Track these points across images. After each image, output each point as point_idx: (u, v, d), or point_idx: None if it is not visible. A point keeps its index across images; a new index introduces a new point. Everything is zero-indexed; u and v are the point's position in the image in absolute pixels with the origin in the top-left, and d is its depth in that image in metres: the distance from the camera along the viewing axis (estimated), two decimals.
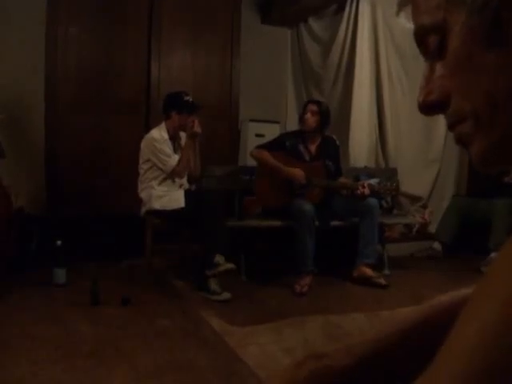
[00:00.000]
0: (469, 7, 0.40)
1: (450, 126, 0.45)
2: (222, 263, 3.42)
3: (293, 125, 5.15)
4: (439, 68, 0.44)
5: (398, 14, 5.15)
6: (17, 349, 2.50)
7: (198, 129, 3.69)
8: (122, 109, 4.76)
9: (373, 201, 3.93)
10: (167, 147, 3.73)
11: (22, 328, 2.77)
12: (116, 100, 4.74)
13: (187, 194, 3.73)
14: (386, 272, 4.19)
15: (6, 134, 4.19)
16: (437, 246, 4.88)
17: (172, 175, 3.73)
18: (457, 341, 0.34)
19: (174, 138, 3.83)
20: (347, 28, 5.16)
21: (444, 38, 0.42)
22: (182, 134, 3.83)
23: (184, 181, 3.86)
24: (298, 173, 3.90)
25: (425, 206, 5.43)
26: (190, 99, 3.77)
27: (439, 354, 0.34)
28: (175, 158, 3.70)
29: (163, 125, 3.81)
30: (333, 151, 4.18)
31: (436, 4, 0.42)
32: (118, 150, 4.61)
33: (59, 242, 3.58)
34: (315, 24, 5.48)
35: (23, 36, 4.35)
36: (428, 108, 0.46)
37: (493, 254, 4.37)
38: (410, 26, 4.94)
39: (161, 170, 3.71)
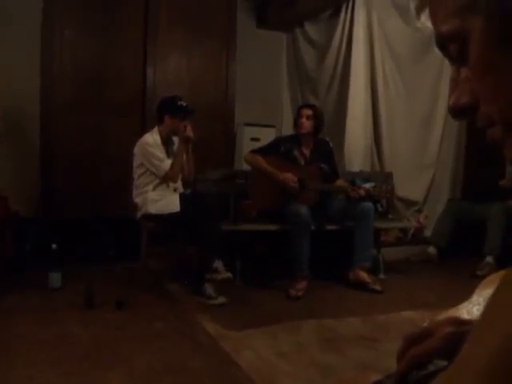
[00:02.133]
0: (485, 12, 0.39)
1: (482, 130, 0.45)
2: (221, 271, 3.41)
3: (288, 129, 5.15)
4: (465, 72, 0.44)
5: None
6: (13, 351, 2.49)
7: (190, 133, 3.68)
8: (118, 111, 4.76)
9: (368, 205, 3.94)
10: (159, 151, 3.72)
11: (18, 331, 2.76)
12: (112, 102, 4.73)
13: (182, 197, 3.72)
14: (382, 276, 4.19)
15: (2, 138, 4.19)
16: (432, 250, 4.88)
17: (165, 179, 3.72)
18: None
19: (167, 143, 3.81)
20: (343, 32, 5.16)
21: (464, 44, 0.42)
22: (176, 139, 3.82)
23: (179, 185, 3.85)
24: (289, 177, 3.90)
25: (420, 210, 5.44)
26: (184, 104, 3.76)
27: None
28: (167, 162, 3.69)
29: (156, 129, 3.80)
30: (327, 154, 4.20)
31: (452, 11, 0.42)
32: (114, 153, 4.61)
33: (54, 246, 3.57)
34: (311, 28, 5.49)
35: (20, 38, 4.34)
36: (458, 112, 0.46)
37: (488, 258, 4.38)
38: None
39: (154, 174, 3.70)
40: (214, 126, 5.17)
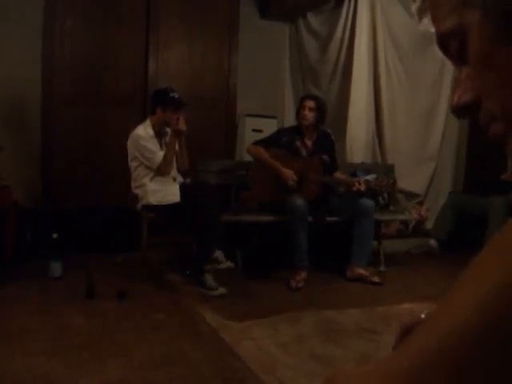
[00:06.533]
0: (482, 7, 0.39)
1: (484, 127, 0.45)
2: (222, 260, 3.40)
3: (290, 120, 5.13)
4: (466, 70, 0.44)
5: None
6: (12, 342, 2.49)
7: (182, 126, 3.63)
8: (119, 102, 4.75)
9: (369, 202, 3.92)
10: (152, 144, 3.69)
11: (18, 321, 2.77)
12: (113, 93, 4.72)
13: (183, 188, 3.71)
14: (382, 268, 4.19)
15: (2, 127, 4.18)
16: (433, 242, 4.88)
17: (158, 172, 3.70)
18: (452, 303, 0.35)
19: (160, 135, 3.78)
20: (345, 23, 5.14)
21: (463, 41, 0.42)
22: (169, 130, 3.78)
23: (176, 174, 3.81)
24: (288, 175, 3.89)
25: (421, 203, 5.43)
26: (176, 96, 3.70)
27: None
28: (160, 154, 3.66)
29: (148, 121, 3.76)
30: (329, 145, 4.18)
31: (450, 9, 0.42)
32: (115, 144, 4.58)
33: (55, 235, 3.57)
34: (314, 19, 5.46)
35: (21, 29, 4.32)
36: (461, 110, 0.46)
37: None
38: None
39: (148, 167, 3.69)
40: (215, 117, 5.16)
